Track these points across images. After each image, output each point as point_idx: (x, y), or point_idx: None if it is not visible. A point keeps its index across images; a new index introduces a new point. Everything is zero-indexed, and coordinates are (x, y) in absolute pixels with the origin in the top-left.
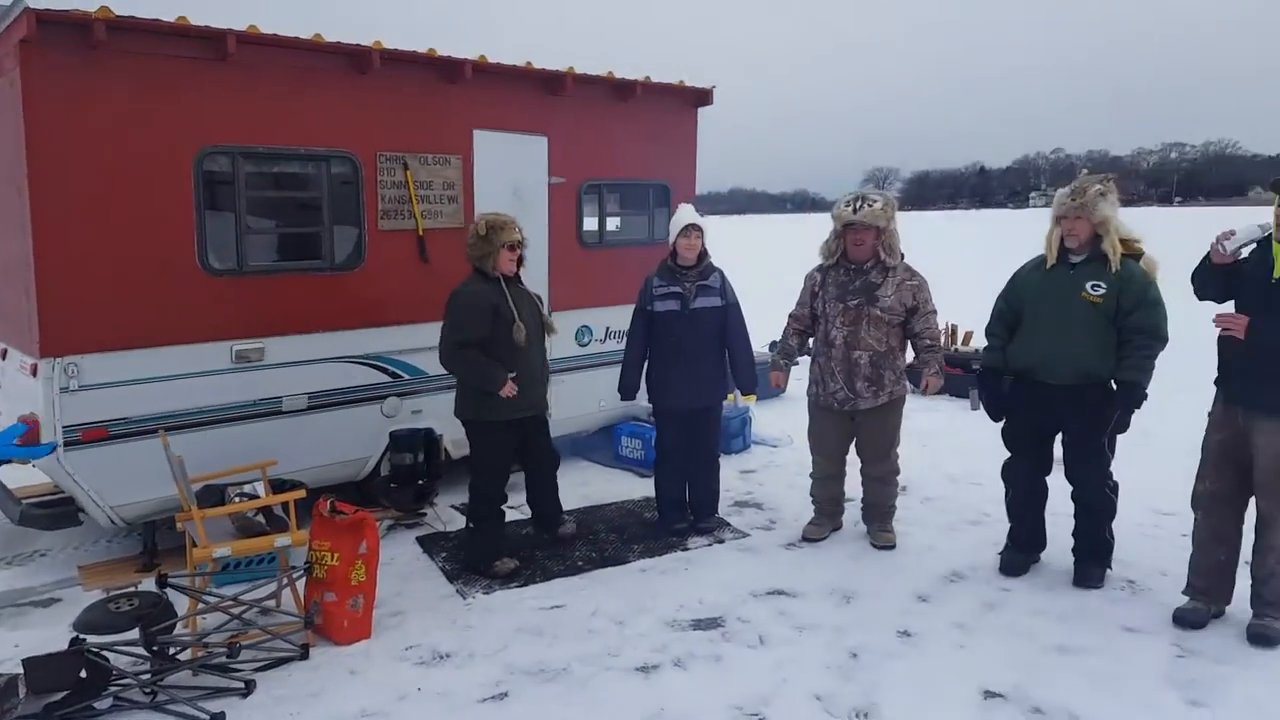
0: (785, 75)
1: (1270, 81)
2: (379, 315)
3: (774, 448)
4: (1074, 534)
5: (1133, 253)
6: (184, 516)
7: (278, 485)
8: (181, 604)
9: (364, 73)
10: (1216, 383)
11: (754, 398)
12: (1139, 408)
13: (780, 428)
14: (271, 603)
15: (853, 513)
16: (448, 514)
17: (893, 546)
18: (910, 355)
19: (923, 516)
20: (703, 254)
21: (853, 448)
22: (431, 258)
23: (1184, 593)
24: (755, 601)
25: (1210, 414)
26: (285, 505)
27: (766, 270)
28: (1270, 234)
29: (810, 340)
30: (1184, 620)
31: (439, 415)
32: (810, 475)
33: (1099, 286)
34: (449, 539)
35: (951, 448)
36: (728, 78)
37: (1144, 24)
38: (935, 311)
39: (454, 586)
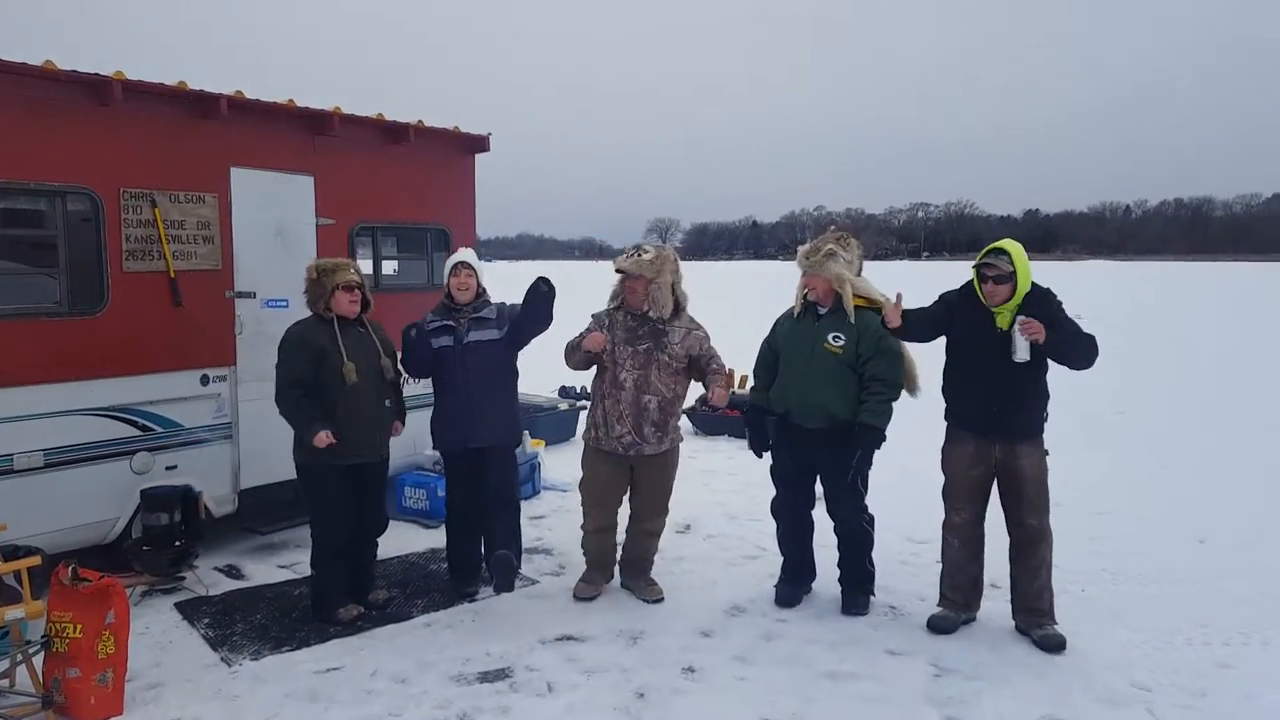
0: (573, 124)
1: (1000, 148)
2: (126, 363)
3: (564, 492)
4: (838, 565)
5: (874, 306)
6: None
7: (9, 552)
8: None
9: (105, 105)
10: (963, 426)
11: (543, 443)
12: (878, 448)
13: (570, 473)
14: (4, 682)
15: None
16: (211, 577)
17: (662, 599)
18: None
19: (706, 553)
20: (480, 292)
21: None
22: (185, 301)
23: (939, 605)
24: (544, 649)
25: (953, 453)
26: (17, 574)
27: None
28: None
29: (584, 379)
30: (938, 627)
31: (197, 471)
32: (583, 528)
33: (839, 337)
34: (213, 603)
35: (731, 486)
36: (517, 124)
37: (892, 94)
38: (718, 357)
39: (218, 654)
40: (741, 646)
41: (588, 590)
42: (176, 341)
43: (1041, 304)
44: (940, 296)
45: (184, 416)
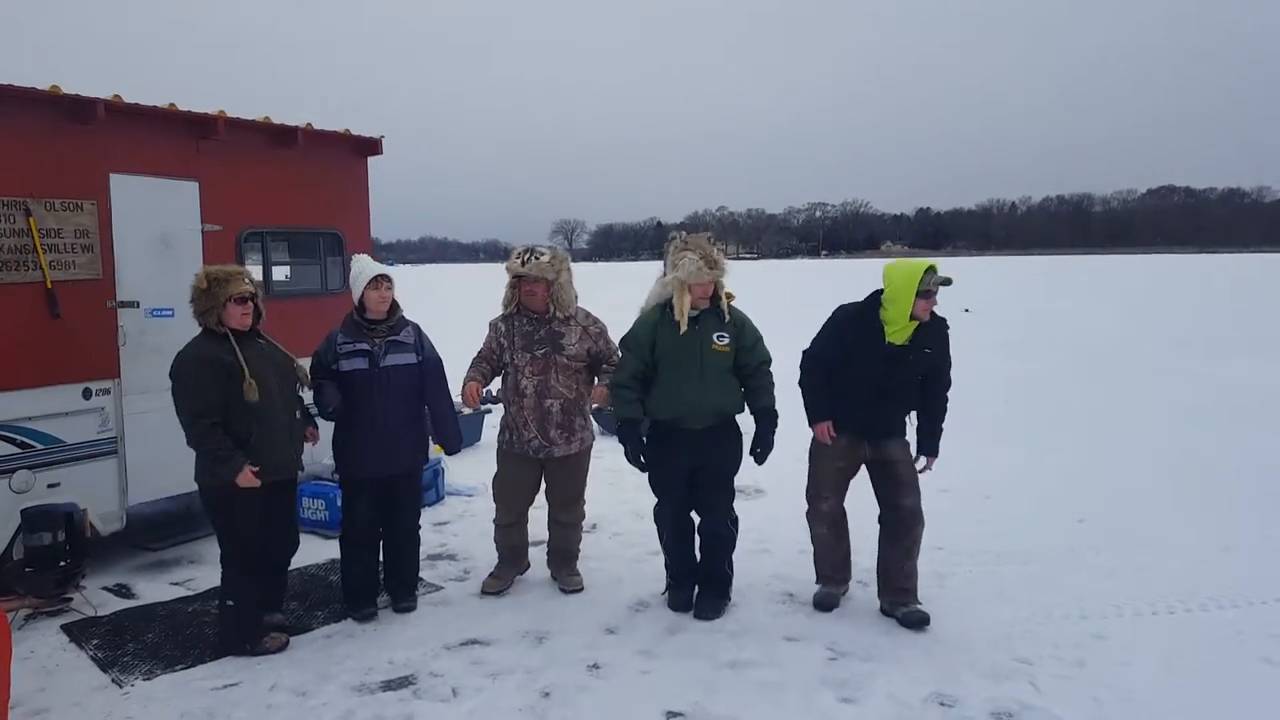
0: (473, 126)
1: (891, 149)
2: (1, 378)
3: (469, 497)
4: (699, 566)
5: (730, 297)
6: None
7: None
8: None
9: None
10: (838, 427)
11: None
12: (776, 426)
13: (476, 477)
14: None
15: (535, 554)
16: (99, 597)
17: (581, 589)
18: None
19: (611, 550)
20: (394, 306)
21: (541, 495)
22: (64, 312)
23: (817, 582)
24: (448, 654)
25: (821, 453)
26: None
27: (462, 320)
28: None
29: (497, 382)
30: (822, 604)
31: (81, 488)
32: (494, 522)
33: (723, 336)
34: (102, 624)
35: (636, 484)
36: (415, 128)
37: (782, 93)
38: (617, 352)
39: (108, 676)
40: (646, 640)
41: (495, 585)
42: (55, 354)
43: (934, 332)
44: (833, 317)
45: (65, 432)
